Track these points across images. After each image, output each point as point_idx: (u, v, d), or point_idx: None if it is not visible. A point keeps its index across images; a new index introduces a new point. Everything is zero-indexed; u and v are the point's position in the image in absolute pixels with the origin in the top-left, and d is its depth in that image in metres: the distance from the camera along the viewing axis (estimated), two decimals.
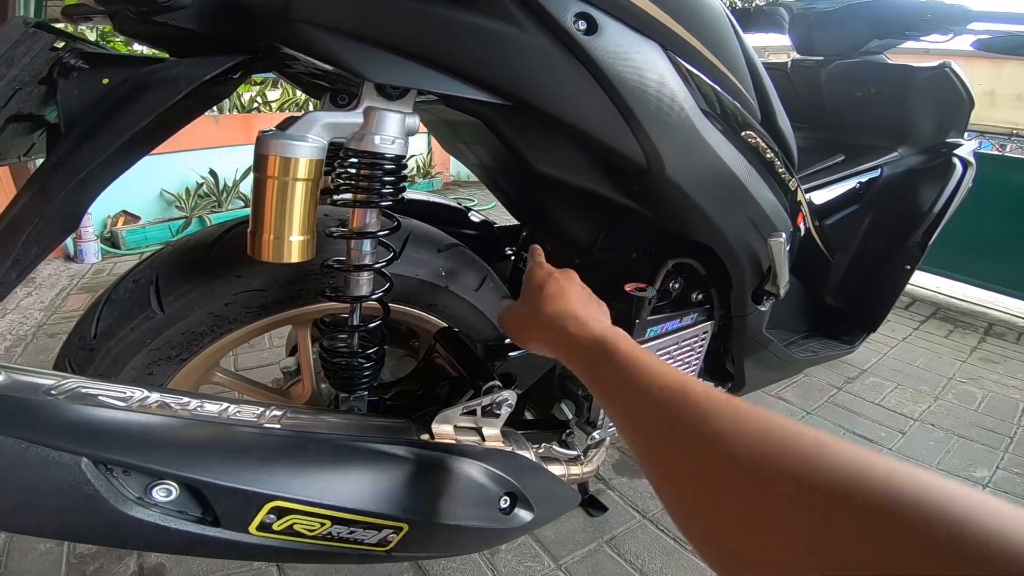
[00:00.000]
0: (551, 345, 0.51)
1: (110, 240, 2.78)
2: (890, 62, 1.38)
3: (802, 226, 1.07)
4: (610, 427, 0.86)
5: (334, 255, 0.58)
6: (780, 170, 0.82)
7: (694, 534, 0.29)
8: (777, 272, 0.81)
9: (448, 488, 0.45)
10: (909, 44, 1.35)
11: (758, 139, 0.74)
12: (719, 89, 0.66)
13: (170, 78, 0.48)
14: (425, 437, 0.50)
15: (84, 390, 0.36)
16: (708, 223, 0.71)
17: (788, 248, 0.93)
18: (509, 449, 0.55)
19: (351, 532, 0.39)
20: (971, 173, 1.38)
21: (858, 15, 1.32)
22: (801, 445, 0.27)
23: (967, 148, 1.41)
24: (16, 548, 0.95)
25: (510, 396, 0.58)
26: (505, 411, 0.57)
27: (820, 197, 1.30)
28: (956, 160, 1.36)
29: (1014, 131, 3.54)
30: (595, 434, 0.85)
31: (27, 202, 0.49)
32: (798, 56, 1.48)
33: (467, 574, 0.93)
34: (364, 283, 0.57)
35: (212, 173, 3.06)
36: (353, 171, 0.53)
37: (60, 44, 0.46)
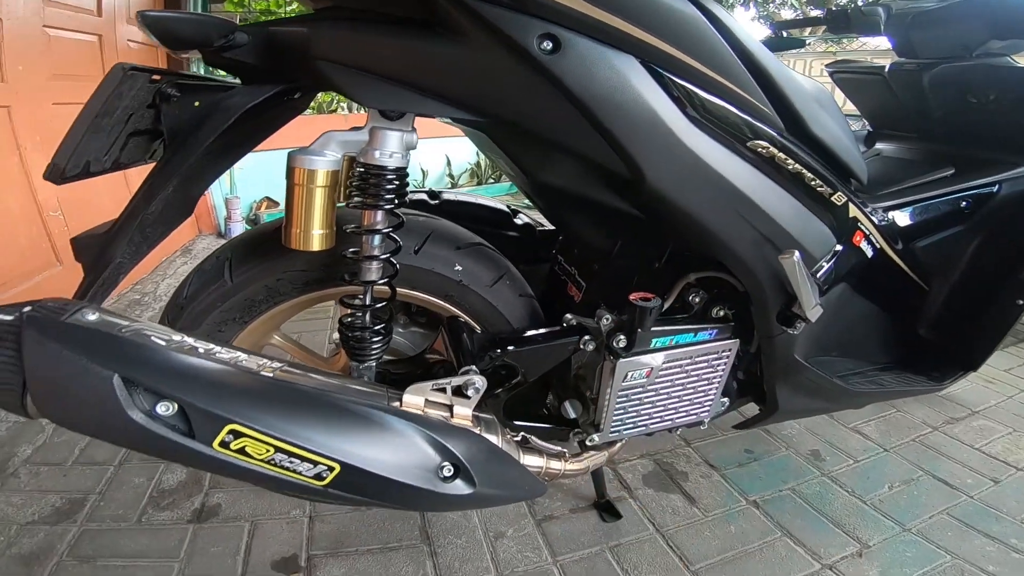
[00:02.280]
0: None
1: (254, 221, 3.28)
2: (1015, 65, 1.19)
3: (865, 247, 0.98)
4: (612, 431, 0.89)
5: (354, 247, 0.71)
6: (814, 183, 0.78)
7: None
8: (800, 294, 0.78)
9: (387, 444, 0.55)
10: None
11: (774, 149, 0.72)
12: (712, 98, 0.66)
13: (227, 106, 0.64)
14: (396, 405, 0.60)
15: (143, 331, 0.51)
16: (708, 235, 0.71)
17: (827, 270, 0.88)
18: (471, 428, 0.63)
19: (290, 461, 0.51)
20: None
21: (967, 14, 1.17)
22: None
23: None
24: (116, 480, 1.17)
25: (479, 381, 0.65)
26: (473, 393, 0.65)
27: (914, 216, 1.16)
28: None
29: None
30: (595, 436, 0.88)
31: (140, 196, 0.67)
32: (898, 60, 1.33)
33: (470, 554, 1.02)
34: (373, 270, 0.69)
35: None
36: (361, 180, 0.65)
37: (157, 77, 0.62)
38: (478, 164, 4.39)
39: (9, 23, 1.71)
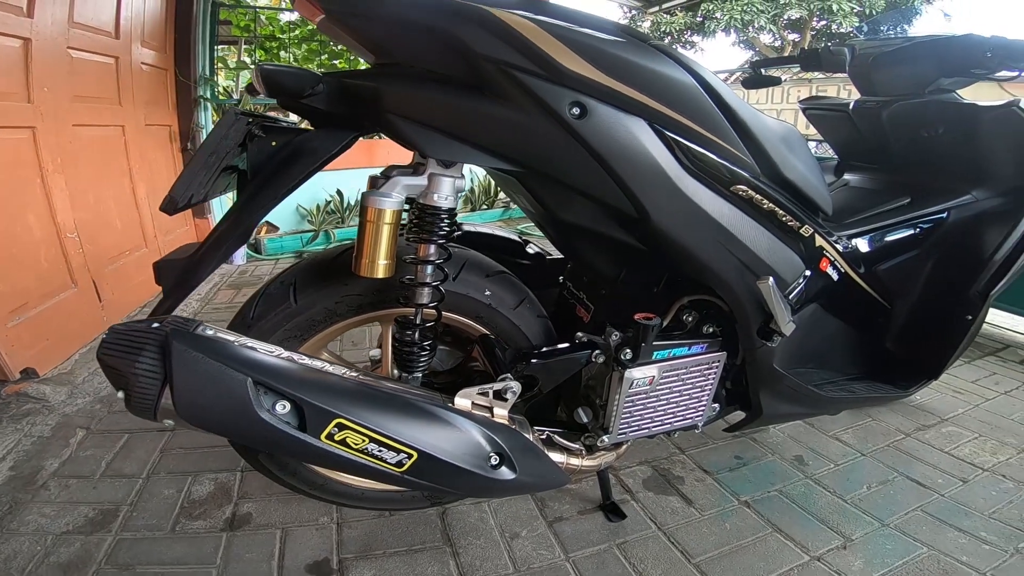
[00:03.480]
0: None
1: (254, 246, 3.39)
2: (958, 101, 1.34)
3: (830, 271, 1.14)
4: (620, 433, 1.02)
5: (408, 274, 0.84)
6: (785, 218, 0.94)
7: None
8: (774, 312, 0.92)
9: (454, 437, 0.67)
10: None
11: (752, 192, 0.87)
12: (703, 151, 0.82)
13: (311, 149, 0.76)
14: (449, 405, 0.73)
15: (250, 344, 0.63)
16: (699, 264, 0.86)
17: (798, 292, 1.03)
18: (510, 426, 0.76)
19: (380, 450, 0.63)
20: None
21: (919, 55, 1.32)
22: None
23: None
24: (146, 492, 1.25)
25: (515, 386, 0.78)
26: (510, 397, 0.78)
27: (874, 242, 1.32)
28: None
29: None
30: (604, 438, 1.01)
31: (229, 225, 0.78)
32: (861, 98, 1.49)
33: (489, 553, 1.11)
34: (425, 295, 0.82)
35: (339, 192, 3.61)
36: (419, 218, 0.78)
37: (250, 120, 0.75)
38: (472, 191, 4.57)
39: (37, 42, 1.77)
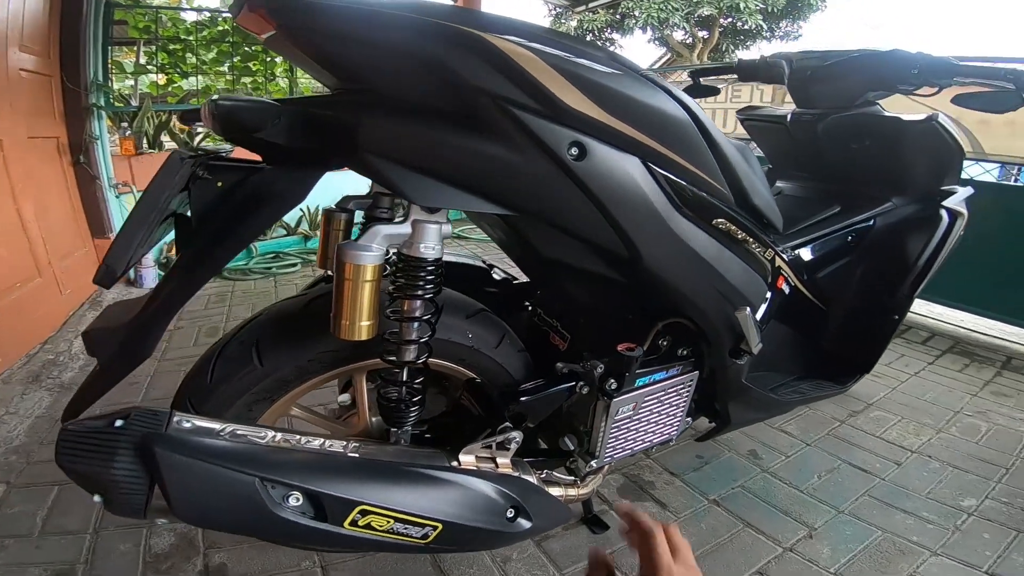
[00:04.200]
0: None
1: (164, 265, 3.09)
2: (883, 114, 1.45)
3: (785, 287, 1.21)
4: (606, 456, 1.02)
5: (390, 328, 0.77)
6: (755, 247, 0.98)
7: None
8: (748, 337, 0.96)
9: (472, 501, 0.64)
10: None
11: (729, 224, 0.90)
12: (690, 186, 0.82)
13: (275, 193, 0.66)
14: (455, 463, 0.69)
15: (238, 431, 0.56)
16: (683, 299, 0.88)
17: (763, 313, 1.08)
18: (516, 474, 0.74)
19: (405, 528, 0.59)
20: (961, 223, 1.45)
21: (851, 69, 1.40)
22: None
23: (958, 197, 1.47)
24: (100, 548, 1.14)
25: (517, 435, 0.76)
26: (513, 446, 0.75)
27: (814, 251, 1.42)
28: (943, 212, 1.43)
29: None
30: (592, 462, 1.01)
31: (179, 283, 0.68)
32: (797, 110, 1.57)
33: None
34: (411, 353, 0.77)
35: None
36: (403, 271, 0.73)
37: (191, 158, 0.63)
38: None
39: None
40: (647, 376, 1.00)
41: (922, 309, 2.74)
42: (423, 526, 0.59)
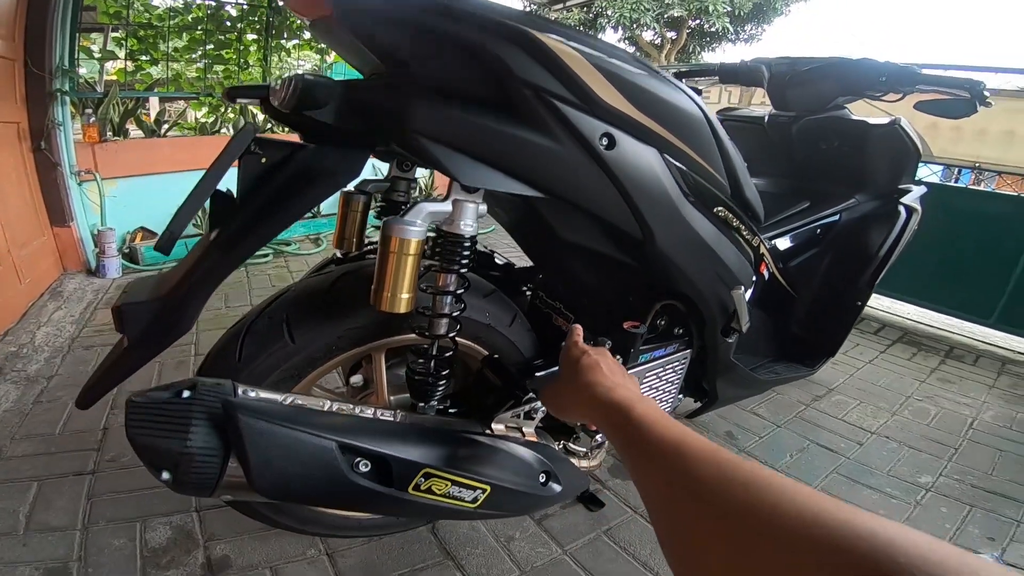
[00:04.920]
0: (585, 409, 0.59)
1: (129, 256, 2.95)
2: (850, 117, 1.59)
3: (765, 273, 1.31)
4: None
5: (423, 304, 0.81)
6: (746, 234, 1.07)
7: (670, 559, 0.36)
8: (739, 314, 1.05)
9: (513, 464, 0.69)
10: None
11: (727, 212, 0.98)
12: (697, 177, 0.90)
13: (327, 169, 0.68)
14: (489, 431, 0.74)
15: (303, 402, 0.59)
16: (686, 279, 0.95)
17: (750, 294, 1.18)
18: (543, 442, 0.79)
19: (460, 491, 0.62)
20: (916, 218, 1.61)
21: (824, 75, 1.53)
22: (761, 488, 0.33)
23: (913, 195, 1.63)
24: (92, 544, 1.11)
25: (542, 404, 0.81)
26: (539, 415, 0.80)
27: (786, 242, 1.54)
28: (901, 207, 1.58)
29: (976, 164, 3.84)
30: (597, 437, 1.08)
31: (219, 257, 0.68)
32: (774, 111, 1.70)
33: (491, 559, 1.13)
34: (443, 325, 0.81)
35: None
36: (441, 247, 0.77)
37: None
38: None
39: None
40: (648, 353, 1.07)
41: (874, 302, 2.95)
42: (474, 488, 0.63)
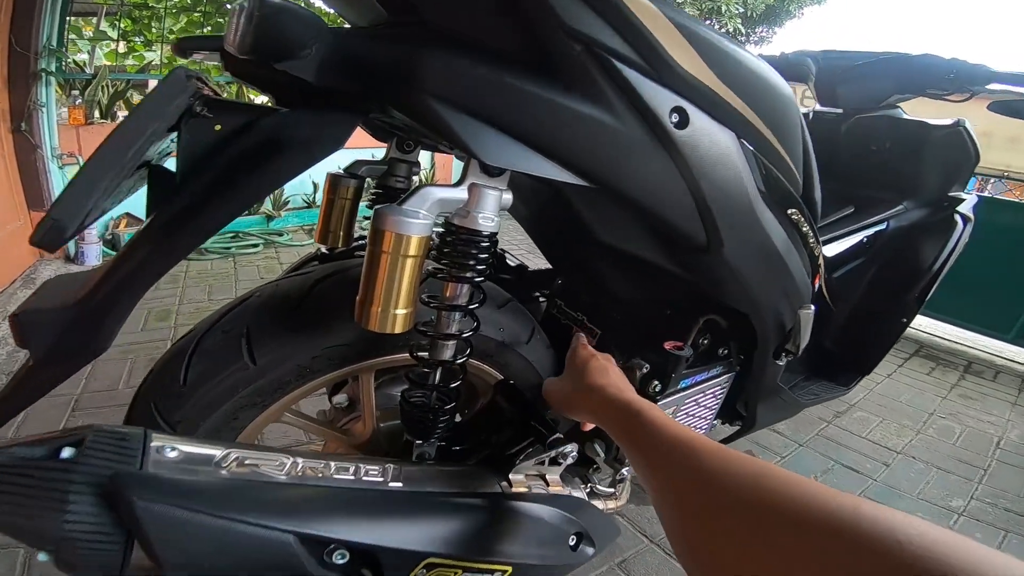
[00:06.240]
0: (594, 408, 0.61)
1: (111, 243, 2.81)
2: (907, 117, 1.44)
3: (818, 284, 1.14)
4: None
5: (422, 318, 0.62)
6: (812, 241, 0.89)
7: (682, 550, 0.38)
8: (800, 336, 0.88)
9: (537, 533, 0.53)
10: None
11: (799, 215, 0.81)
12: (776, 172, 0.72)
13: (300, 140, 0.50)
14: (504, 484, 0.57)
15: (247, 461, 0.41)
16: (748, 296, 0.78)
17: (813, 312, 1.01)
18: (567, 492, 0.62)
19: None
20: (969, 228, 1.46)
21: (882, 71, 1.37)
22: (769, 481, 0.34)
23: (968, 203, 1.48)
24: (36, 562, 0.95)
25: (572, 448, 0.64)
26: (569, 461, 0.63)
27: (831, 250, 1.37)
28: (958, 217, 1.43)
29: (1006, 173, 3.72)
30: (623, 471, 0.91)
31: (160, 246, 0.50)
32: (818, 108, 1.54)
33: None
34: (449, 348, 0.62)
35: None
36: (452, 246, 0.58)
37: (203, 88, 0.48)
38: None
39: None
40: (689, 378, 0.90)
41: None
42: (493, 572, 0.47)
